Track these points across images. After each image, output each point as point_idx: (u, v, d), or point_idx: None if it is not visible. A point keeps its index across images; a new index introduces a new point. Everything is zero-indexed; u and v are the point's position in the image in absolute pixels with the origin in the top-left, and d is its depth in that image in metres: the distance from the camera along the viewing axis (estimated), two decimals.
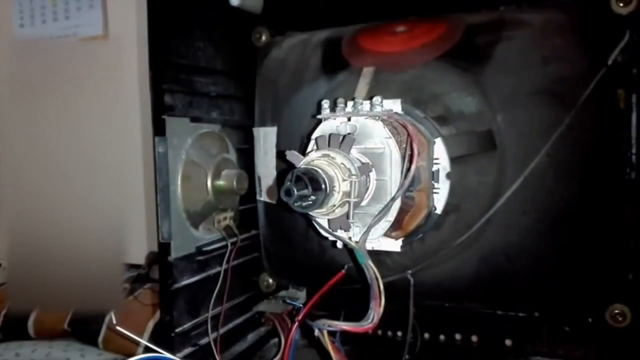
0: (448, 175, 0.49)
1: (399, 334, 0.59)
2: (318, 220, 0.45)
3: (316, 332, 0.43)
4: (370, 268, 0.41)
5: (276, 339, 0.64)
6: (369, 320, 0.40)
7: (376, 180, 0.43)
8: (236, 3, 0.60)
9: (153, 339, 0.80)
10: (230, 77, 0.64)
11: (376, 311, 0.40)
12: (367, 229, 0.42)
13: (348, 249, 0.46)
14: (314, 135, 0.46)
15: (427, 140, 0.48)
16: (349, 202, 0.41)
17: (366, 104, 0.45)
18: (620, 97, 0.47)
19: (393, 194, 0.43)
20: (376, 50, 0.54)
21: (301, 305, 0.44)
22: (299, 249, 0.58)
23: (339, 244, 0.46)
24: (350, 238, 0.44)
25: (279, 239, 0.61)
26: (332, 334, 0.57)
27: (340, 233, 0.44)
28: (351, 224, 0.42)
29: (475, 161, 0.49)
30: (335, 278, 0.47)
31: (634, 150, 0.47)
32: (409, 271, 0.51)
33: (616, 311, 0.48)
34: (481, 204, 0.49)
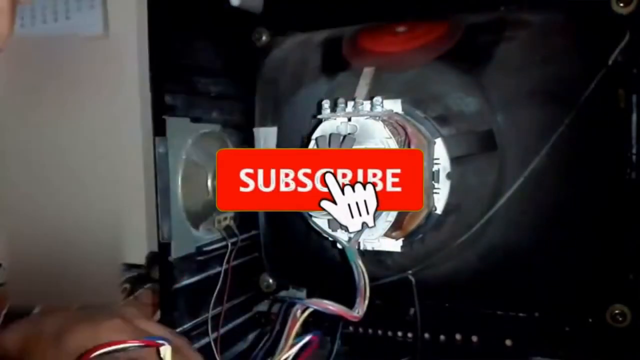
0: (448, 175, 0.49)
1: (399, 334, 0.59)
2: (317, 221, 0.45)
3: (296, 309, 0.43)
4: (359, 267, 0.42)
5: None
6: (356, 312, 0.41)
7: None
8: (236, 3, 0.60)
9: None
10: (230, 77, 0.64)
11: (361, 306, 0.41)
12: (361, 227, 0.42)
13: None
14: (314, 135, 0.46)
15: (427, 140, 0.48)
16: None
17: (367, 104, 0.45)
18: (621, 97, 0.47)
19: None
20: (376, 51, 0.54)
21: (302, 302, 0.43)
22: (299, 249, 0.58)
23: (339, 244, 0.46)
24: (350, 238, 0.44)
25: (279, 239, 0.61)
26: (330, 334, 0.57)
27: (339, 233, 0.44)
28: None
29: (476, 161, 0.49)
30: None
31: (634, 150, 0.47)
32: (410, 271, 0.51)
33: (616, 311, 0.48)
34: (481, 204, 0.49)
